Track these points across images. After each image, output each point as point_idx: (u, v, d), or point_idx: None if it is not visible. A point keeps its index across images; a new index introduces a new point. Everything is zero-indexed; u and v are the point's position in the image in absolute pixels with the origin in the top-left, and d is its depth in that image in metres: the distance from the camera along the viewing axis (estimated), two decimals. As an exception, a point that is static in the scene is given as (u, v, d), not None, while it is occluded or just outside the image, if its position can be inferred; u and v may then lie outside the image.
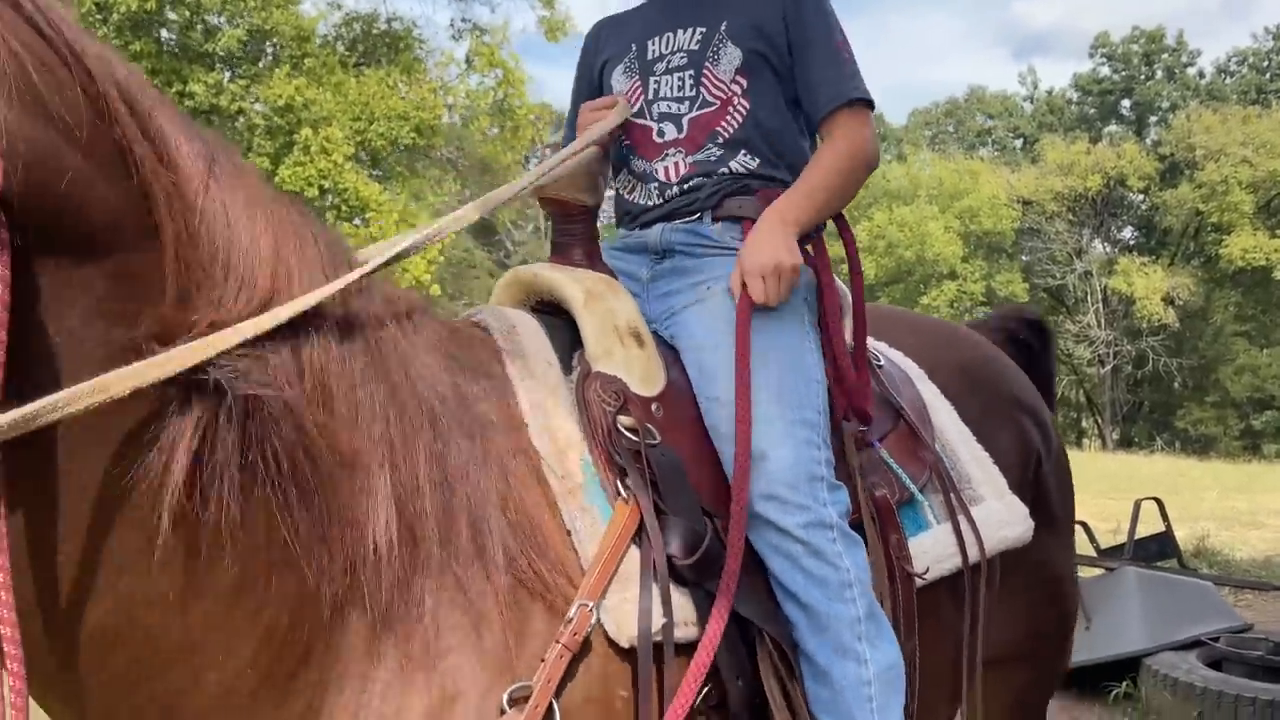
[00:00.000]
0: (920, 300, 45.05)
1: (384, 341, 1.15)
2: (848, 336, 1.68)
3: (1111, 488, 16.35)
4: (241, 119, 19.09)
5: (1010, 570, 1.93)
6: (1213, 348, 43.96)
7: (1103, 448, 43.19)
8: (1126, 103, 50.09)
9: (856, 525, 1.54)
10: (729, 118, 1.70)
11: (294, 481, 1.05)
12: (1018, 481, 1.95)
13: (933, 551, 1.67)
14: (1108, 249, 48.34)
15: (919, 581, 1.61)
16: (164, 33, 18.66)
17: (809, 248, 1.69)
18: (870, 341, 1.87)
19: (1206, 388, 44.18)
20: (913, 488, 1.69)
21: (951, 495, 1.74)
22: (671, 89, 1.73)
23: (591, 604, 1.23)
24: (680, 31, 1.74)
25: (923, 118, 61.30)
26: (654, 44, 1.77)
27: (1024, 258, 46.92)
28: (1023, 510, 1.89)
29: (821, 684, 1.37)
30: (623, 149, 1.77)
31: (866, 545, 1.52)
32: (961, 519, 1.72)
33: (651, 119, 1.74)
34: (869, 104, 1.72)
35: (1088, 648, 5.37)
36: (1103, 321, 45.00)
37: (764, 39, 1.70)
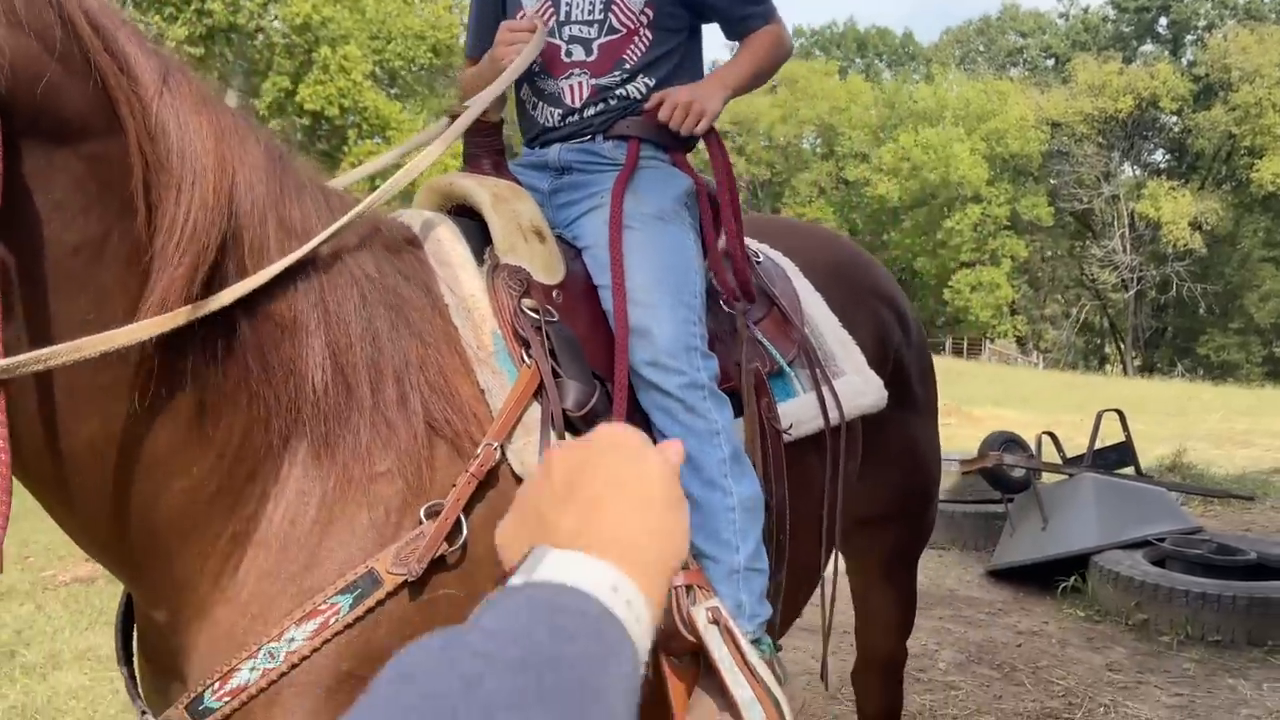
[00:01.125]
0: (944, 223, 44.72)
1: (312, 230, 1.45)
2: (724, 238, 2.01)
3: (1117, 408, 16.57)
4: (261, 37, 19.17)
5: (877, 443, 2.28)
6: (1239, 274, 43.46)
7: (1124, 373, 43.19)
8: (1164, 21, 48.63)
9: (733, 392, 1.88)
10: (634, 46, 1.94)
11: (241, 343, 1.34)
12: (876, 360, 2.27)
13: (798, 414, 1.99)
14: (1137, 172, 47.49)
15: (787, 438, 1.94)
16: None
17: (689, 161, 1.99)
18: (753, 242, 2.20)
19: (1231, 314, 43.82)
20: (781, 362, 2.01)
21: (816, 369, 2.06)
22: (582, 12, 1.92)
23: (496, 444, 1.51)
24: None
25: (954, 36, 59.94)
26: None
27: (1051, 181, 46.25)
28: (878, 382, 2.21)
29: (695, 511, 1.68)
30: (531, 66, 1.96)
31: (746, 408, 1.86)
32: (825, 389, 2.05)
33: (561, 39, 1.93)
34: (777, 13, 2.08)
35: (1042, 546, 5.76)
36: (1128, 246, 44.54)
37: None
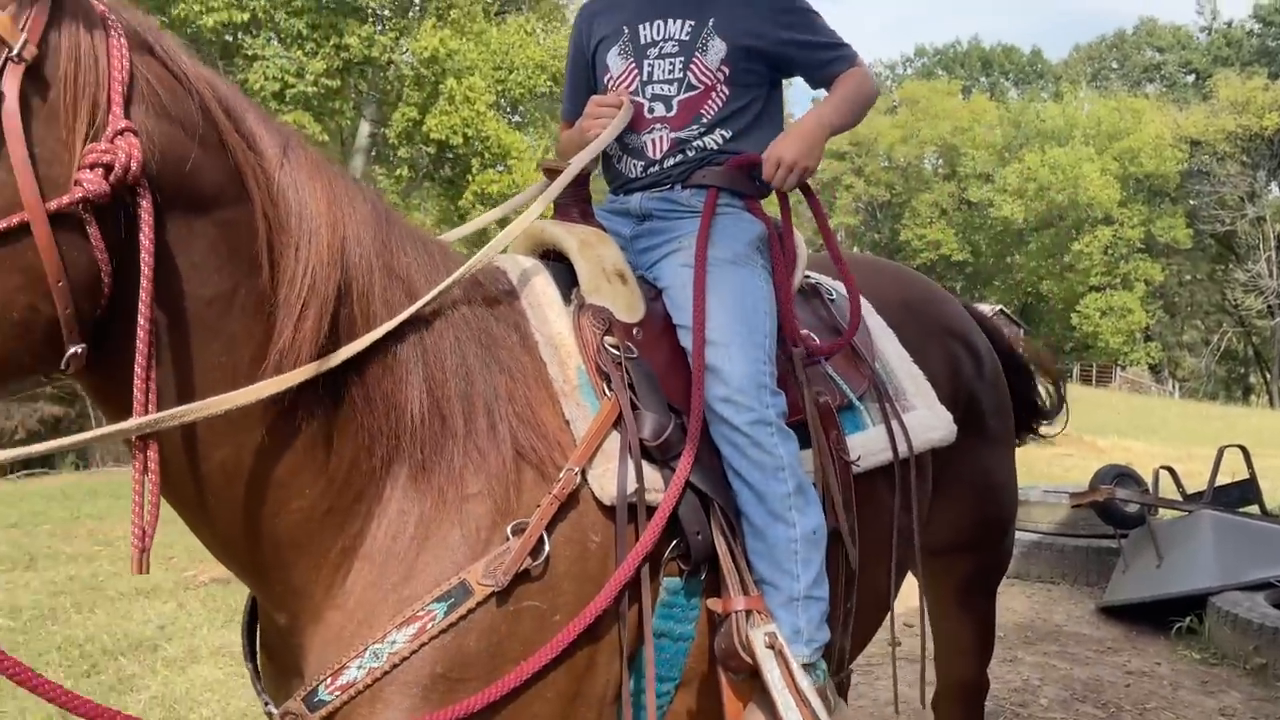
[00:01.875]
0: (1072, 246, 43.17)
1: (414, 277, 1.61)
2: (797, 281, 2.13)
3: (1256, 443, 15.77)
4: (392, 69, 20.09)
5: (950, 474, 2.34)
6: (1400, 300, 40.55)
7: (1269, 404, 40.78)
8: (1314, 33, 45.96)
9: (802, 425, 1.98)
10: (711, 101, 2.08)
11: (348, 381, 1.52)
12: (947, 395, 2.33)
13: (867, 446, 2.08)
14: (1285, 193, 44.84)
15: (855, 469, 2.02)
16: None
17: (761, 206, 2.10)
18: (827, 280, 2.32)
19: (1391, 343, 40.88)
20: (851, 396, 2.10)
21: (886, 404, 2.15)
22: (663, 72, 2.06)
23: (577, 469, 1.61)
24: (671, 21, 2.08)
25: (1085, 53, 57.99)
26: (645, 29, 2.09)
27: (1190, 202, 44.13)
28: (948, 417, 2.27)
29: (759, 540, 1.80)
30: None
31: (813, 440, 1.96)
32: (894, 422, 2.14)
33: (644, 98, 2.08)
34: (858, 55, 2.19)
35: (1156, 584, 5.59)
36: (1276, 270, 42.11)
37: (749, 35, 2.07)
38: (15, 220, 1.16)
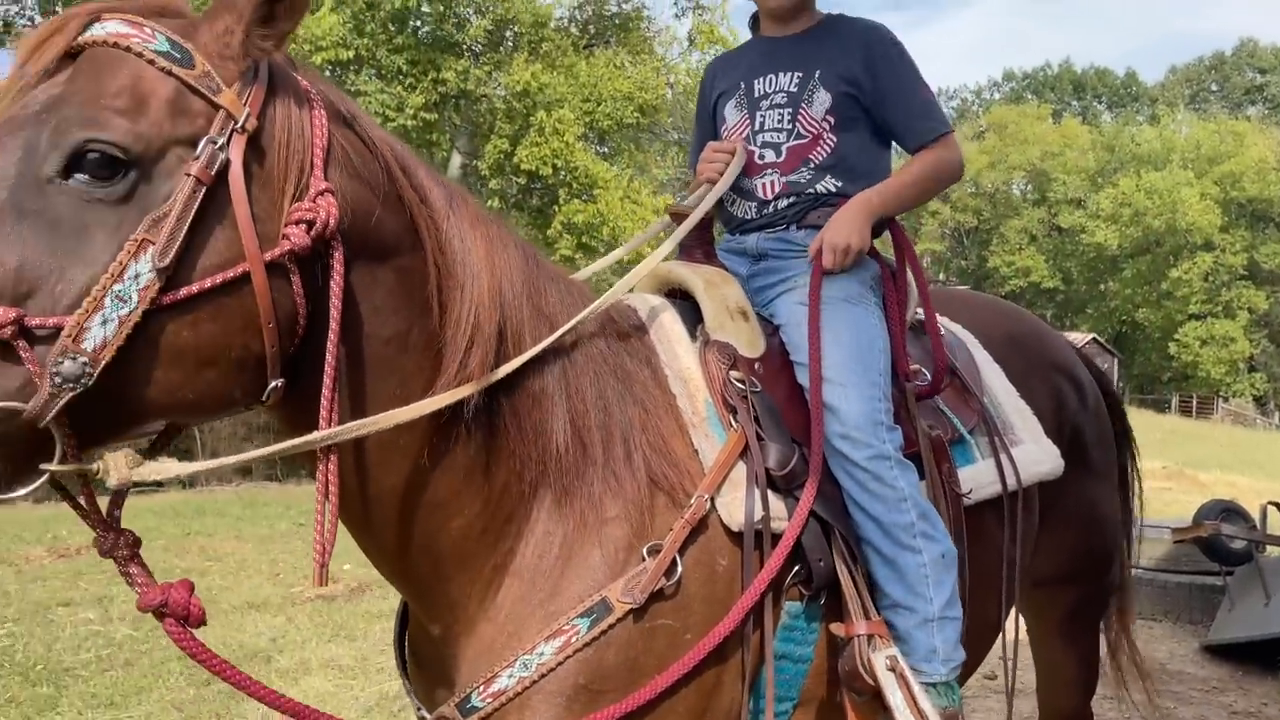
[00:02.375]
0: (1170, 273, 41.84)
1: (557, 315, 1.75)
2: (909, 318, 2.20)
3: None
4: (484, 103, 20.65)
5: (1055, 506, 2.38)
6: None
7: (1385, 439, 38.72)
8: None
9: (916, 457, 2.05)
10: (819, 148, 2.14)
11: (502, 411, 1.66)
12: (1053, 429, 2.39)
13: (977, 479, 2.15)
14: (1400, 217, 42.87)
15: (966, 501, 2.09)
16: (420, 25, 20.49)
17: (875, 245, 2.17)
18: (938, 316, 2.37)
19: None
20: (962, 430, 2.18)
21: (995, 437, 2.21)
22: (773, 122, 2.17)
23: (708, 495, 1.71)
24: (781, 74, 2.18)
25: (1182, 74, 56.43)
26: (759, 83, 2.20)
27: (1296, 227, 42.41)
28: (1054, 451, 2.33)
29: (890, 568, 1.88)
30: None
31: (925, 473, 2.04)
32: (1003, 456, 2.20)
33: (756, 145, 2.19)
34: (950, 131, 2.22)
35: (1265, 623, 5.43)
36: (1389, 298, 40.19)
37: (853, 85, 2.15)
38: (240, 269, 1.31)
